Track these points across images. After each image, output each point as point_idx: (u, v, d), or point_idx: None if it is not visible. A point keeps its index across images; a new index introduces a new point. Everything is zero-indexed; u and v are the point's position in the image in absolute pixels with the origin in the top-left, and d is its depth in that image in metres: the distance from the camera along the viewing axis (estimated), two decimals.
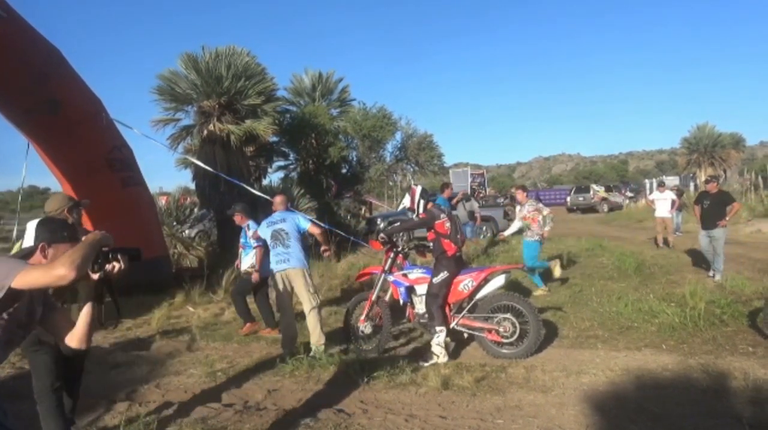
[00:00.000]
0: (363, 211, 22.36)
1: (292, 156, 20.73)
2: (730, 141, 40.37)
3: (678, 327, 6.38)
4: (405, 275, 6.18)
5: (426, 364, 5.52)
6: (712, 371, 4.96)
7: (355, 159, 21.52)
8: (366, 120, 20.44)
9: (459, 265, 6.00)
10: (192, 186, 17.49)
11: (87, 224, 10.25)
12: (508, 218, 20.62)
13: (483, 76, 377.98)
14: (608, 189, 37.95)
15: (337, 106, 22.87)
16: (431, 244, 6.06)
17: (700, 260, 10.51)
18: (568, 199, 36.82)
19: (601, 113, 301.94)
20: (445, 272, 5.78)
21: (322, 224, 6.97)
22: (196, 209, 15.70)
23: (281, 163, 21.14)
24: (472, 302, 5.91)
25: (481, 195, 39.68)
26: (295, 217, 6.54)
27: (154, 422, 4.19)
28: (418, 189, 6.28)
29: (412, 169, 23.71)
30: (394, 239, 6.41)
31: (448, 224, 5.90)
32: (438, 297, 5.77)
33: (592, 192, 35.97)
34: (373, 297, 6.17)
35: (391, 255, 6.25)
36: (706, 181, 10.81)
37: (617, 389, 4.69)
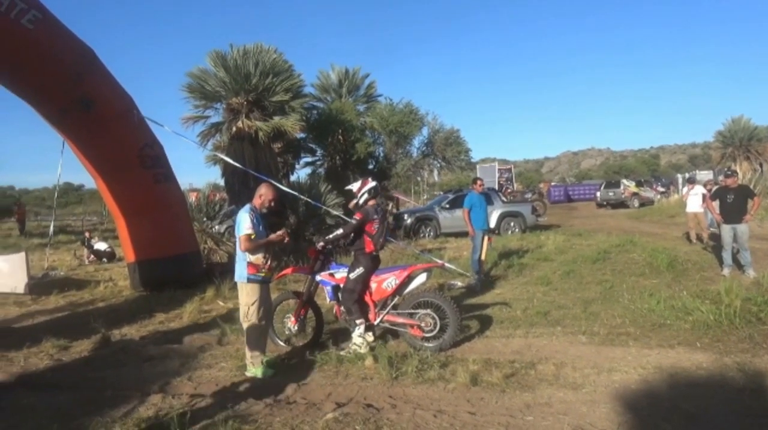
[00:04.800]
0: (390, 207, 22.36)
1: (319, 152, 20.85)
2: (767, 134, 39.16)
3: (713, 325, 6.24)
4: (331, 275, 6.30)
5: (347, 355, 5.74)
6: (748, 370, 4.84)
7: (381, 155, 21.54)
8: (392, 116, 20.44)
9: (375, 263, 6.23)
10: (221, 182, 17.76)
11: (119, 219, 10.52)
12: (537, 213, 20.43)
13: (510, 71, 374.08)
14: (639, 184, 37.25)
15: (363, 102, 22.92)
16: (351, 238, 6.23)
17: (734, 257, 10.26)
18: (598, 194, 36.29)
19: (632, 107, 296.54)
20: (361, 268, 6.03)
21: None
22: (225, 205, 15.88)
23: (308, 159, 21.29)
24: (396, 299, 6.17)
25: (509, 191, 39.42)
26: (239, 216, 5.48)
27: (187, 414, 4.27)
28: (371, 183, 6.31)
29: (438, 165, 23.65)
30: (329, 247, 6.50)
31: (377, 225, 6.12)
32: (354, 292, 6.00)
33: (622, 187, 35.35)
34: (304, 297, 6.31)
35: (320, 256, 6.36)
36: (726, 176, 10.53)
37: (650, 387, 4.61)
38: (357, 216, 6.14)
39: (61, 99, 9.16)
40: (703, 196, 13.68)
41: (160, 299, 9.51)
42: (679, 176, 40.19)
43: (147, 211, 10.25)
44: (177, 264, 10.40)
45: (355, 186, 6.37)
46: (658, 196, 33.82)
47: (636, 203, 32.98)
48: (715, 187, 13.29)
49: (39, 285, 11.13)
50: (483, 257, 10.05)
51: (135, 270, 10.53)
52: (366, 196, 6.23)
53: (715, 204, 9.68)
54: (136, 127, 10.13)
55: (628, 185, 35.86)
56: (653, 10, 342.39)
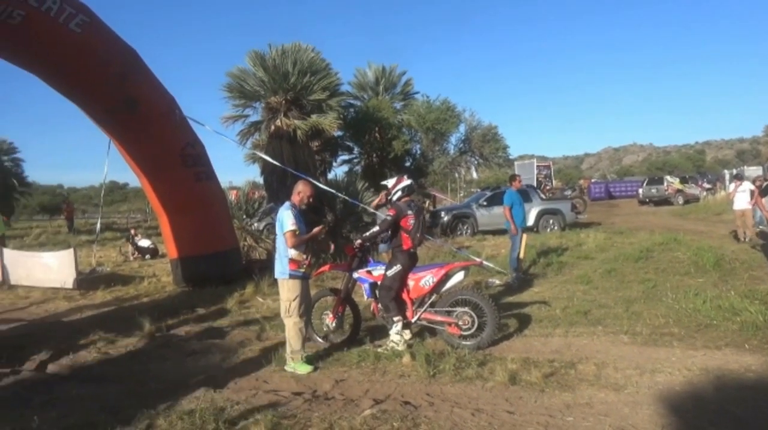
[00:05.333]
0: (427, 205, 22.32)
1: (356, 150, 20.98)
2: None
3: (762, 326, 6.01)
4: (369, 272, 6.28)
5: (384, 352, 5.74)
6: None
7: (418, 152, 21.53)
8: (429, 113, 20.40)
9: (412, 260, 6.19)
10: (260, 180, 18.04)
11: (162, 217, 10.78)
12: (576, 211, 20.07)
13: (549, 66, 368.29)
14: (683, 180, 36.22)
15: (400, 99, 22.94)
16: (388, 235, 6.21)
17: None
18: (640, 191, 35.41)
19: (676, 101, 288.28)
20: (399, 266, 6.00)
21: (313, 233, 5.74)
22: (264, 203, 16.11)
23: (345, 157, 21.45)
24: (433, 297, 6.16)
25: (548, 188, 38.83)
26: (281, 214, 5.59)
27: (229, 407, 4.36)
28: (405, 181, 6.30)
29: (476, 162, 23.49)
30: (368, 244, 6.52)
31: (412, 221, 6.07)
32: (391, 289, 5.97)
33: (666, 184, 34.40)
34: (342, 294, 6.32)
35: (357, 254, 6.35)
36: None
37: (695, 390, 4.48)
38: (390, 212, 6.14)
39: (107, 100, 9.44)
40: (751, 192, 13.18)
41: (202, 294, 9.73)
42: (726, 172, 38.93)
43: (189, 208, 10.48)
44: (217, 261, 10.62)
45: (390, 182, 6.39)
46: (704, 193, 32.81)
47: (680, 200, 32.08)
48: (765, 184, 12.83)
49: (87, 280, 11.51)
50: (521, 255, 9.94)
51: (177, 266, 10.80)
52: (399, 193, 6.24)
53: (765, 201, 9.31)
54: (178, 127, 10.37)
55: (672, 182, 34.89)
56: (698, 5, 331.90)
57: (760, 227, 14.12)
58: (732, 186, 14.20)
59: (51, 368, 5.97)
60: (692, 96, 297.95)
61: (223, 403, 4.47)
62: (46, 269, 11.44)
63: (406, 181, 6.31)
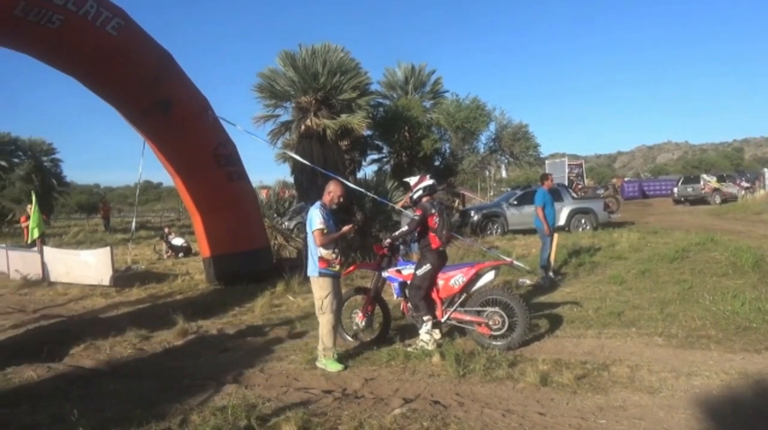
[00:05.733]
0: (456, 204, 22.19)
1: (385, 149, 20.96)
2: None
3: None
4: (398, 271, 6.28)
5: (414, 351, 5.74)
6: None
7: (448, 151, 21.41)
8: (459, 111, 20.27)
9: (442, 259, 6.18)
10: (290, 179, 18.16)
11: (195, 216, 10.96)
12: (609, 210, 19.73)
13: (581, 64, 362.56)
14: (721, 179, 35.23)
15: (429, 98, 22.85)
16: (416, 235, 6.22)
17: None
18: (675, 190, 34.59)
19: (712, 98, 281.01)
20: (428, 265, 5.99)
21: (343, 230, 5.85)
22: (294, 202, 16.24)
23: (375, 156, 21.44)
24: (463, 296, 6.14)
25: (579, 187, 38.24)
26: (311, 213, 5.69)
27: (260, 404, 4.42)
28: (428, 181, 6.28)
29: (506, 161, 23.25)
30: (398, 243, 6.53)
31: (437, 219, 6.07)
32: (421, 289, 5.97)
33: (702, 182, 33.51)
34: (371, 293, 6.33)
35: (387, 253, 6.35)
36: None
37: (734, 394, 4.37)
38: (417, 212, 6.15)
39: (142, 101, 9.65)
40: None
41: (234, 292, 9.87)
42: (766, 170, 37.74)
43: (221, 208, 10.64)
44: (249, 259, 10.75)
45: (412, 180, 6.41)
46: (742, 192, 31.89)
47: (717, 199, 31.24)
48: None
49: (122, 278, 11.79)
50: (552, 255, 9.82)
51: (210, 264, 10.97)
52: (420, 192, 6.24)
53: None
54: (210, 127, 10.54)
55: (709, 180, 34.00)
56: (727, 3, 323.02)
57: None
58: None
59: (88, 363, 6.13)
60: (729, 93, 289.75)
61: (254, 400, 4.53)
62: (84, 267, 11.74)
63: (428, 181, 6.31)
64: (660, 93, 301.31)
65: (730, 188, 32.86)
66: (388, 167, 20.91)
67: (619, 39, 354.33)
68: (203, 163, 10.39)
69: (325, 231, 5.46)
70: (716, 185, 32.87)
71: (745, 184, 35.06)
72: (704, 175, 36.94)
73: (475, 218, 18.79)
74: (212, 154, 10.47)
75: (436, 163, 20.97)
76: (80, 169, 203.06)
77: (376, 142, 20.61)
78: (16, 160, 34.90)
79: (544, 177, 10.64)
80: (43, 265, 12.10)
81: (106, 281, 11.12)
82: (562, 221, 16.79)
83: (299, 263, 10.70)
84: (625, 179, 58.63)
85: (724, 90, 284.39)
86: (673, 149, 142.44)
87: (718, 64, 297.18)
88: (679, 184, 34.74)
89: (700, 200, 32.11)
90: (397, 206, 10.43)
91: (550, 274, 9.65)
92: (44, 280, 11.93)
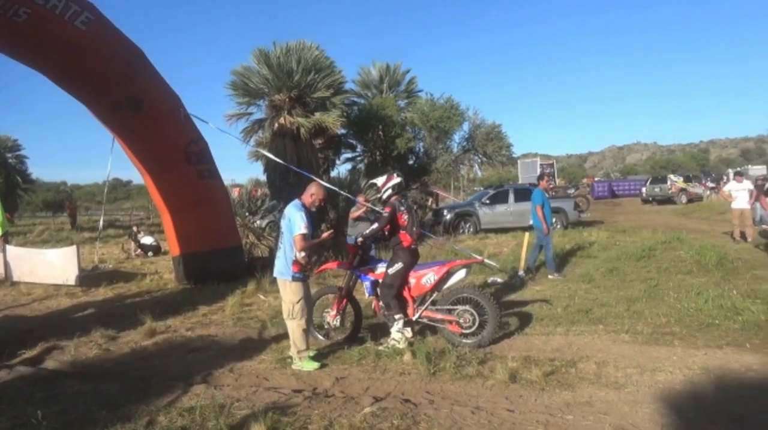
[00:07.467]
0: (430, 203, 22.33)
1: (359, 148, 21.01)
2: None
3: (764, 325, 6.03)
4: (371, 270, 6.28)
5: (385, 350, 5.73)
6: None
7: (422, 150, 21.53)
8: (433, 111, 20.39)
9: (414, 257, 6.17)
10: (263, 178, 18.06)
11: (165, 214, 10.80)
12: (579, 209, 20.04)
13: (554, 66, 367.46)
14: (687, 179, 36.13)
15: (404, 97, 22.96)
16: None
17: None
18: (644, 190, 35.41)
19: (680, 100, 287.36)
20: (400, 264, 5.99)
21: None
22: (267, 200, 16.13)
23: (349, 154, 21.50)
24: (435, 295, 6.18)
25: (551, 186, 38.74)
26: (292, 214, 5.49)
27: (229, 404, 4.37)
28: (396, 179, 6.26)
29: (479, 160, 23.47)
30: (369, 242, 6.53)
31: (406, 216, 6.08)
32: (393, 287, 5.98)
33: (669, 182, 34.37)
34: (343, 292, 6.31)
35: (359, 251, 6.35)
36: None
37: (696, 389, 4.48)
38: (386, 210, 6.15)
39: (112, 98, 9.45)
40: (750, 192, 13.04)
41: (204, 291, 9.74)
42: (731, 171, 38.83)
43: (192, 206, 10.49)
44: (220, 258, 10.62)
45: (379, 181, 6.39)
46: (708, 192, 32.75)
47: (684, 199, 32.06)
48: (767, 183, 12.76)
49: (89, 277, 11.54)
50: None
51: (179, 263, 10.82)
52: (390, 191, 6.23)
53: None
54: (182, 125, 10.37)
55: (676, 181, 34.85)
56: (697, 7, 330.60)
57: (763, 226, 14.06)
58: (729, 185, 14.11)
59: (52, 364, 5.99)
60: (697, 95, 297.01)
61: (223, 400, 4.47)
62: (49, 266, 11.46)
63: (396, 179, 6.30)
64: (630, 95, 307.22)
65: (696, 188, 33.72)
66: (362, 166, 20.94)
67: (590, 42, 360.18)
68: (174, 160, 10.23)
69: (306, 236, 5.36)
70: (683, 185, 33.73)
71: (710, 184, 36.01)
72: (671, 176, 37.89)
73: (448, 217, 18.90)
74: (183, 151, 10.30)
75: (410, 162, 21.07)
76: (47, 166, 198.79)
77: (351, 140, 20.63)
78: None
79: (541, 177, 10.83)
80: (6, 264, 11.75)
81: (72, 281, 10.87)
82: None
83: (271, 262, 10.61)
84: (596, 179, 59.66)
85: (692, 92, 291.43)
86: (642, 150, 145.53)
87: (687, 66, 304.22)
88: (647, 184, 35.55)
89: (668, 200, 32.89)
90: (353, 216, 10.41)
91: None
92: (7, 279, 11.60)
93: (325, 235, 5.74)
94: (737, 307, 6.64)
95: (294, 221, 5.38)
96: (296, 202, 5.59)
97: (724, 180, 32.94)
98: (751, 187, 13.32)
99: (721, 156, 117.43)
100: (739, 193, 13.23)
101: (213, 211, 10.78)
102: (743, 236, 12.98)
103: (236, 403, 4.44)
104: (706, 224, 18.51)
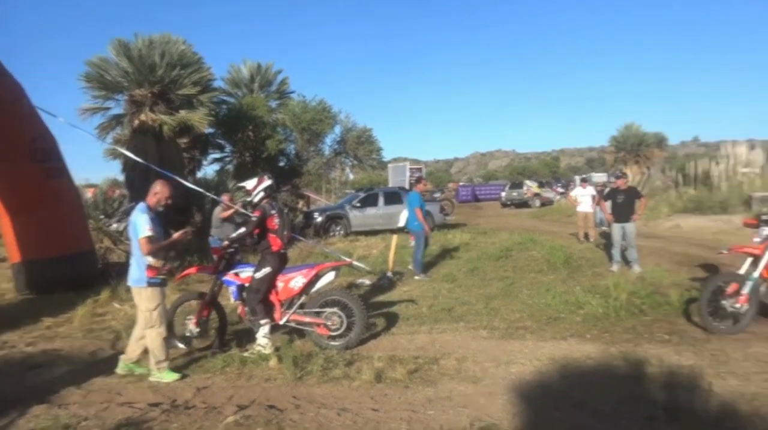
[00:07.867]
0: (301, 205, 22.14)
1: (228, 148, 20.39)
2: (654, 140, 42.53)
3: (601, 317, 6.68)
4: (237, 274, 6.19)
5: (251, 356, 5.64)
6: (631, 359, 5.21)
7: (293, 152, 21.35)
8: (305, 113, 20.31)
9: (282, 261, 6.15)
10: (121, 178, 16.86)
11: (4, 217, 9.69)
12: (444, 212, 20.96)
13: (424, 74, 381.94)
14: (541, 185, 39.18)
15: (275, 98, 22.61)
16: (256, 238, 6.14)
17: (622, 254, 11.00)
18: (503, 194, 37.84)
19: (537, 111, 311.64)
20: (268, 268, 5.95)
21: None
22: (125, 202, 15.07)
23: (217, 155, 20.80)
24: (302, 298, 6.14)
25: (427, 189, 40.14)
26: (135, 218, 5.16)
27: (75, 424, 4.01)
28: (267, 182, 6.19)
29: (350, 163, 23.74)
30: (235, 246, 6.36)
31: (277, 220, 6.06)
32: (259, 292, 5.93)
33: (525, 188, 37.09)
34: (207, 298, 6.16)
35: (225, 256, 6.21)
36: (616, 178, 11.26)
37: (543, 378, 4.85)
38: (255, 214, 6.00)
39: None
40: (593, 197, 14.49)
41: (49, 301, 8.83)
42: (577, 178, 42.70)
43: (36, 207, 9.52)
44: (69, 264, 9.73)
45: (249, 184, 6.20)
46: (557, 197, 35.68)
47: (537, 203, 34.67)
48: (607, 189, 14.18)
49: None
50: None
51: (21, 271, 9.74)
52: (261, 194, 6.10)
53: (607, 204, 10.30)
54: (25, 118, 9.38)
55: (531, 186, 37.66)
56: (560, 17, 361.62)
57: (603, 227, 15.62)
58: (575, 190, 15.54)
59: None
60: (551, 107, 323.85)
61: (68, 420, 4.10)
62: None
63: (267, 182, 6.17)
64: (494, 103, 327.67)
65: (548, 193, 36.67)
66: (230, 167, 20.34)
67: (457, 53, 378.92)
68: (16, 157, 9.19)
69: (153, 238, 5.04)
70: (537, 190, 36.52)
71: (560, 189, 39.33)
72: (527, 182, 40.92)
73: (319, 219, 18.86)
74: (27, 148, 9.32)
75: (281, 163, 20.80)
76: None
77: (219, 140, 19.95)
78: None
79: (418, 180, 11.07)
80: None
81: None
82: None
83: (127, 269, 9.93)
84: (460, 184, 62.76)
85: (547, 104, 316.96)
86: (503, 157, 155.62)
87: (544, 81, 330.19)
88: (507, 189, 38.12)
89: (524, 204, 35.43)
90: (221, 216, 10.08)
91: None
92: None
93: (176, 235, 5.38)
94: (580, 301, 7.30)
95: (138, 224, 5.05)
96: (140, 204, 5.23)
97: (571, 186, 36.23)
98: (594, 192, 14.78)
99: (570, 164, 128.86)
100: (583, 198, 14.66)
101: (61, 213, 9.85)
102: (587, 236, 14.36)
103: (83, 422, 4.10)
104: (556, 226, 20.14)
